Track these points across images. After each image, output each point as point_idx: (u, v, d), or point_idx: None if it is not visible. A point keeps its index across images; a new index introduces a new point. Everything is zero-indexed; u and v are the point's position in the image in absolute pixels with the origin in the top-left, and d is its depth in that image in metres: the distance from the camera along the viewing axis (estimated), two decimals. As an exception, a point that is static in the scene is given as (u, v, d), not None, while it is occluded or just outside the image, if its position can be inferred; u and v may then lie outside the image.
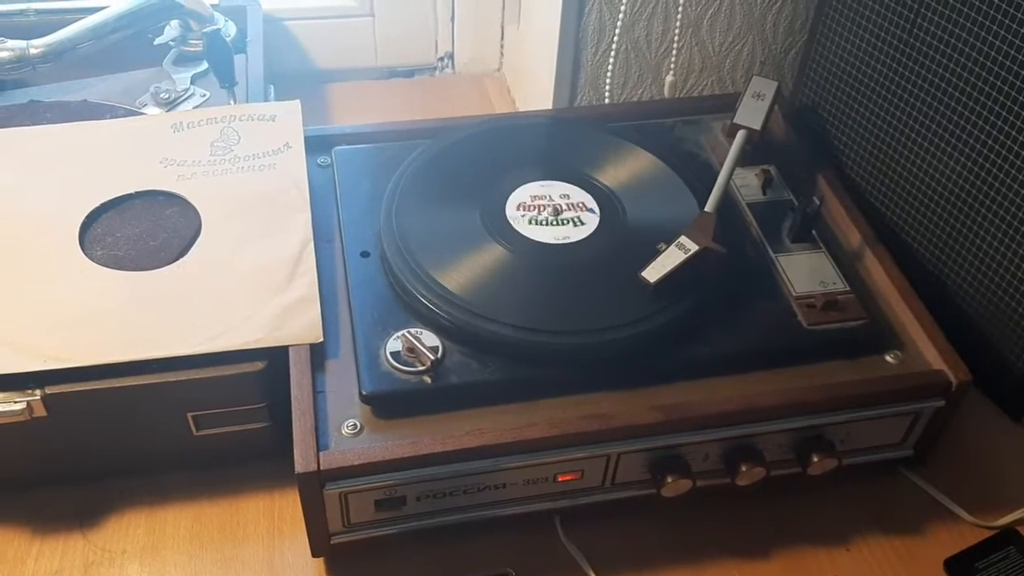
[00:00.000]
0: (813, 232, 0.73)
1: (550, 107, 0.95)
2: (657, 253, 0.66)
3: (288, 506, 0.68)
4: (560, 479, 0.63)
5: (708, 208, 0.70)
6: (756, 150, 0.79)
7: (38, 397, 0.60)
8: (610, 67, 0.92)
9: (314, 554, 0.64)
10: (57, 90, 0.86)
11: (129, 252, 0.68)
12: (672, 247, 0.67)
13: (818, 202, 0.71)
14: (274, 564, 0.65)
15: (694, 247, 0.66)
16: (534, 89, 1.01)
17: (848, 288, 0.69)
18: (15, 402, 0.60)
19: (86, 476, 0.68)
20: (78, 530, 0.66)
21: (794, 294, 0.68)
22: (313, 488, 0.58)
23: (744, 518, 0.69)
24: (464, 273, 0.66)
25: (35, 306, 0.64)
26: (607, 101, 0.93)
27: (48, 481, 0.68)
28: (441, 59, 1.12)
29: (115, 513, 0.67)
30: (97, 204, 0.71)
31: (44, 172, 0.73)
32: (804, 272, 0.70)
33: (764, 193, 0.77)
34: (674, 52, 0.92)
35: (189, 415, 0.65)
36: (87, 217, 0.70)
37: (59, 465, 0.67)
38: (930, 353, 0.67)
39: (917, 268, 0.77)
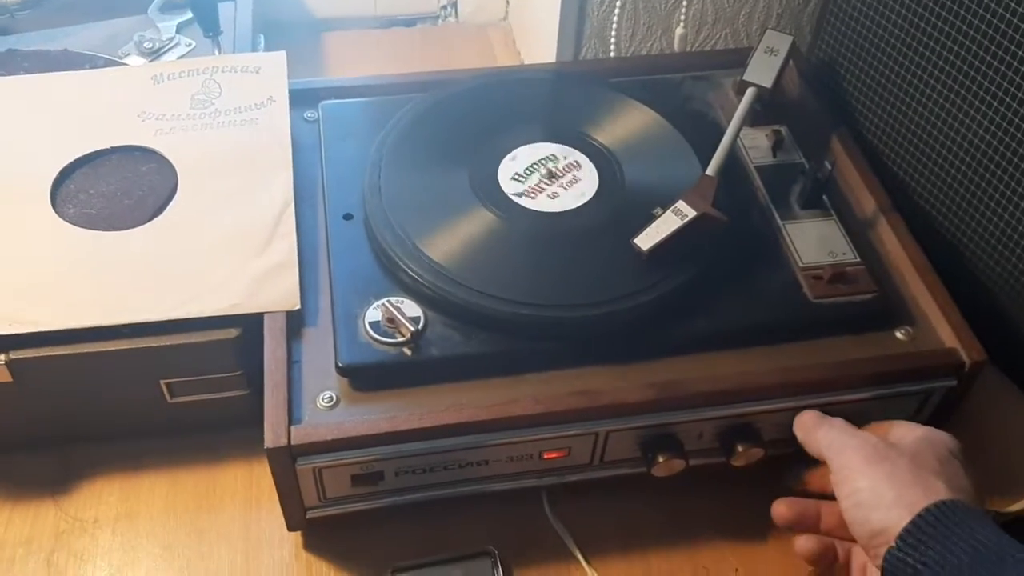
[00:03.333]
0: (824, 198, 0.69)
1: (554, 60, 0.90)
2: (652, 219, 0.63)
3: (266, 475, 0.65)
4: (546, 456, 0.60)
5: (709, 171, 0.66)
6: (768, 109, 0.74)
7: (2, 362, 0.58)
8: (616, 18, 0.87)
9: (290, 528, 0.61)
10: (38, 38, 0.82)
11: (102, 211, 0.66)
12: (668, 212, 0.63)
13: (830, 166, 0.67)
14: (251, 535, 0.64)
15: (691, 212, 0.62)
16: (539, 40, 0.96)
17: (859, 259, 0.65)
18: (-23, 367, 0.58)
19: (58, 441, 0.66)
20: (50, 498, 0.64)
21: (800, 265, 0.65)
22: (284, 463, 0.56)
23: (741, 498, 0.65)
24: (450, 241, 0.62)
25: (2, 266, 0.61)
26: (613, 54, 0.89)
27: (19, 446, 0.66)
28: (444, 7, 1.08)
29: (88, 480, 0.65)
30: (71, 160, 0.68)
31: (16, 125, 0.70)
32: (812, 241, 0.66)
33: (774, 155, 0.73)
34: (685, 2, 0.87)
35: (162, 382, 0.63)
36: (60, 173, 0.67)
37: (29, 430, 0.65)
38: (943, 330, 0.63)
39: (935, 238, 0.73)
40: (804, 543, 0.58)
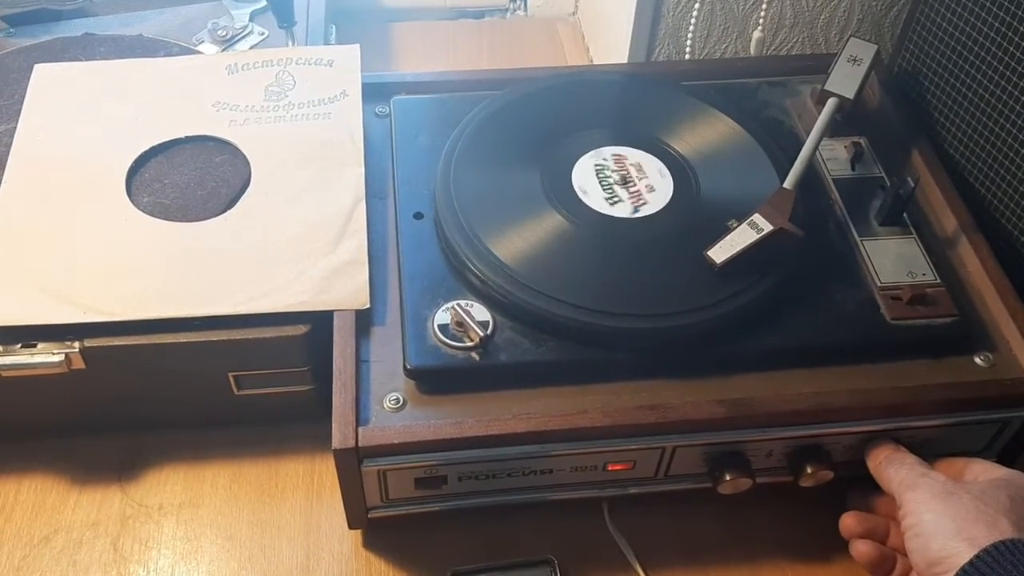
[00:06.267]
0: (904, 215, 0.67)
1: (625, 60, 0.89)
2: (727, 231, 0.61)
3: (328, 470, 0.66)
4: (610, 468, 0.60)
5: (787, 184, 0.64)
6: (847, 120, 0.72)
7: (76, 350, 0.59)
8: (693, 18, 0.85)
9: (351, 526, 0.62)
10: (114, 22, 0.83)
11: (176, 200, 0.66)
12: (743, 225, 0.61)
13: (912, 183, 0.65)
14: (311, 529, 0.64)
15: (768, 227, 0.61)
16: (610, 38, 0.95)
17: (939, 280, 0.63)
18: (53, 353, 0.59)
19: (126, 427, 0.67)
20: (116, 482, 0.65)
21: (878, 284, 0.63)
22: (351, 464, 0.56)
23: (804, 517, 0.65)
24: (521, 244, 0.62)
25: (78, 254, 0.62)
26: (687, 56, 0.87)
27: (88, 431, 0.67)
28: (513, 0, 1.07)
29: (154, 467, 0.66)
30: (147, 148, 0.69)
31: (94, 111, 0.71)
32: (891, 260, 0.64)
33: (853, 168, 0.71)
34: (764, 5, 0.85)
35: (230, 375, 0.63)
36: (135, 161, 0.68)
37: (99, 416, 0.65)
38: (1025, 357, 0.61)
39: (1019, 261, 0.70)
40: (862, 547, 0.58)
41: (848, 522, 0.59)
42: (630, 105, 0.74)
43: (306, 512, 0.65)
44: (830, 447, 0.60)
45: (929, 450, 0.61)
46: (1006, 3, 0.68)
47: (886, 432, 0.59)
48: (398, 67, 0.98)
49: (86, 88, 0.72)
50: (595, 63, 0.99)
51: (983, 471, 0.55)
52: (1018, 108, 0.69)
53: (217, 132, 0.70)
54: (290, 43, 0.79)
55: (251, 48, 0.80)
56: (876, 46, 0.72)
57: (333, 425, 0.55)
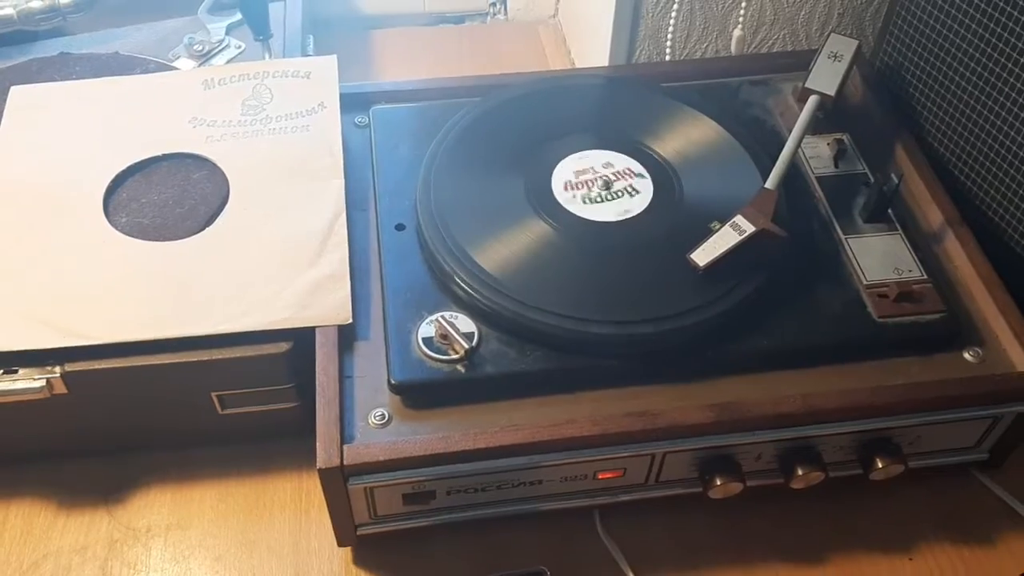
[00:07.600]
0: (889, 212, 0.66)
1: (606, 62, 0.88)
2: (710, 233, 0.61)
3: (316, 487, 0.65)
4: (600, 476, 0.59)
5: (769, 184, 0.64)
6: (829, 116, 0.72)
7: (58, 375, 0.58)
8: (672, 19, 0.85)
9: (340, 544, 0.61)
10: (89, 41, 0.82)
11: (154, 220, 0.65)
12: (726, 227, 0.61)
13: (897, 180, 0.64)
14: (300, 548, 0.63)
15: (750, 228, 0.61)
16: (591, 40, 0.94)
17: (925, 276, 0.63)
18: (34, 379, 0.58)
19: (110, 450, 0.66)
20: (103, 506, 0.65)
21: (864, 282, 0.62)
22: (336, 483, 0.55)
23: (797, 517, 0.64)
24: (504, 253, 0.61)
25: (56, 277, 0.61)
26: (668, 56, 0.86)
27: (73, 455, 0.66)
28: (493, 4, 1.06)
29: (141, 489, 0.66)
30: (124, 167, 0.68)
31: (70, 131, 0.70)
32: (877, 257, 0.64)
33: (836, 165, 0.70)
34: (743, 2, 0.85)
35: (213, 395, 0.62)
36: (112, 180, 0.67)
37: (83, 440, 0.65)
38: (1015, 352, 0.61)
39: (1007, 254, 0.70)
40: None
41: None
42: (610, 109, 0.73)
43: (295, 530, 0.64)
44: (820, 448, 0.60)
45: (919, 447, 0.61)
46: (983, 6, 0.68)
47: (876, 431, 0.59)
48: (379, 75, 0.97)
49: (62, 109, 0.72)
50: (577, 66, 0.99)
51: None
52: (1001, 99, 0.68)
53: (195, 149, 0.69)
54: (267, 55, 0.79)
55: (228, 62, 0.80)
56: (857, 41, 0.72)
57: (317, 444, 0.55)
